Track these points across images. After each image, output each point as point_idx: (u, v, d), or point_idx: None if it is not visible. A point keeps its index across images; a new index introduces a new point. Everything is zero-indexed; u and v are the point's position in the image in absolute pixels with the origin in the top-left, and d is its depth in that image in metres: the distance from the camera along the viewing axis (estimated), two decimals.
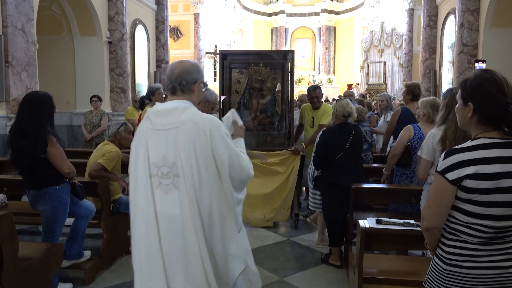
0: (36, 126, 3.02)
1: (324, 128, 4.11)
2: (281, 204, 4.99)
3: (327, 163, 3.85)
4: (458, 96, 1.62)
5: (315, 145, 4.03)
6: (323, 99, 6.12)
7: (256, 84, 5.42)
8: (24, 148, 3.01)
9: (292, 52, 5.58)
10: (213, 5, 17.90)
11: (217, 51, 11.35)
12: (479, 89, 1.52)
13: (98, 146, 4.16)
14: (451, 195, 1.52)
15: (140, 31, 10.84)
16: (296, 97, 8.03)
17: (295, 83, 8.35)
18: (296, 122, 5.63)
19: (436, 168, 1.57)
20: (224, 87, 5.42)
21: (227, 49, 16.84)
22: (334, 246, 3.90)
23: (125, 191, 3.97)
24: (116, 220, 3.96)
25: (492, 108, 1.50)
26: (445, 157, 1.55)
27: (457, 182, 1.50)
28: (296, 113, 5.72)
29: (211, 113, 3.69)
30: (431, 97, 3.74)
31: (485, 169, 1.47)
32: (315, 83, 17.76)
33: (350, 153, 3.78)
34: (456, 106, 1.65)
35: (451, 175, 1.50)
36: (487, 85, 1.51)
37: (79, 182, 3.43)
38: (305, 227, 5.08)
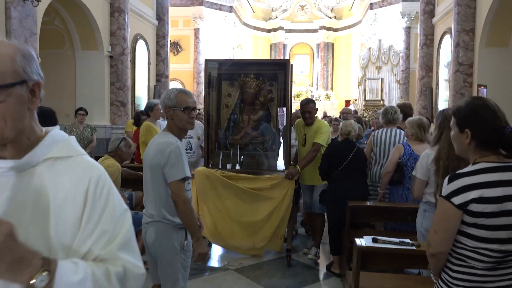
0: None
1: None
2: (273, 232, 4.32)
3: (332, 174, 4.12)
4: (452, 124, 1.65)
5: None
6: (321, 116, 6.01)
7: (247, 98, 4.73)
8: None
9: (288, 61, 4.84)
10: (213, 21, 18.15)
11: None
12: (474, 115, 1.56)
13: (98, 161, 4.18)
14: (457, 219, 1.53)
15: (141, 45, 10.97)
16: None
17: (293, 98, 8.12)
18: (294, 142, 4.91)
19: (441, 193, 1.58)
20: (211, 100, 4.76)
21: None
22: (335, 254, 4.14)
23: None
24: None
25: (489, 132, 1.53)
26: (449, 182, 1.55)
27: (463, 207, 1.50)
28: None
29: (191, 122, 2.34)
30: (417, 117, 3.93)
31: (489, 192, 1.49)
32: (313, 98, 17.83)
33: (351, 167, 4.04)
34: (452, 134, 1.67)
35: (457, 200, 1.51)
36: (481, 111, 1.56)
37: None
38: (303, 244, 5.09)
